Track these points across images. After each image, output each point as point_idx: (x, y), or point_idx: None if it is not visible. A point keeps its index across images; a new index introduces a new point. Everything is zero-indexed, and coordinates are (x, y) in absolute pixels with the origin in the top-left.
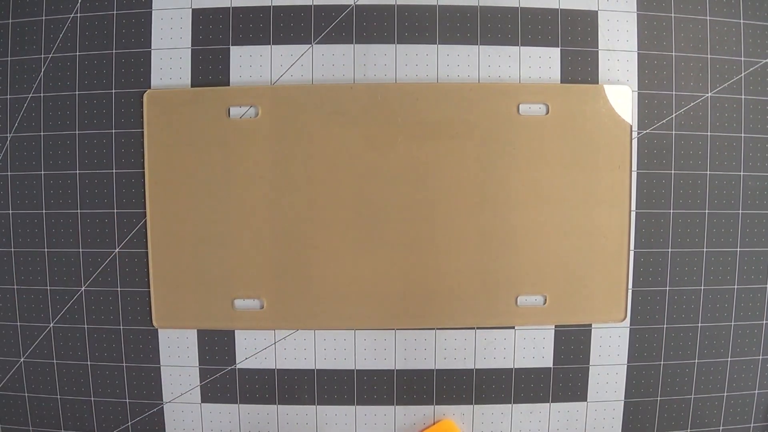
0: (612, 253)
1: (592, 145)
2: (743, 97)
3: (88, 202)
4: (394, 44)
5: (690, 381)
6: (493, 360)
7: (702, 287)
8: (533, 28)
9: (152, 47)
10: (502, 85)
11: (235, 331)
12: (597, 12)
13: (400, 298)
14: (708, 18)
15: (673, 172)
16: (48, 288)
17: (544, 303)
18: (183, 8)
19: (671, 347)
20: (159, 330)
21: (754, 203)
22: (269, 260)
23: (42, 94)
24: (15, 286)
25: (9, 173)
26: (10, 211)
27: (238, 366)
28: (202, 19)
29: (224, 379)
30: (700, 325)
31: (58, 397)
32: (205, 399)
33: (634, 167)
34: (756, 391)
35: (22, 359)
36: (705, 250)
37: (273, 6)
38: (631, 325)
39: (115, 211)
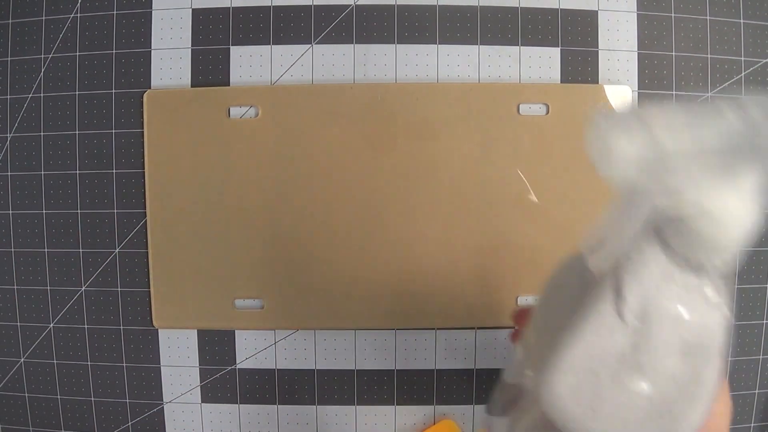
0: None
1: None
2: (743, 97)
3: (88, 202)
4: (394, 44)
5: None
6: (494, 360)
7: None
8: (533, 28)
9: (152, 47)
10: (502, 85)
11: (236, 331)
12: (597, 12)
13: (400, 298)
14: (708, 18)
15: None
16: (48, 288)
17: None
18: (183, 8)
19: None
20: (159, 330)
21: None
22: (269, 260)
23: (42, 94)
24: (15, 286)
25: (9, 173)
26: (10, 211)
27: (239, 366)
28: (202, 19)
29: (224, 379)
30: None
31: (58, 397)
32: (205, 399)
33: None
34: (756, 391)
35: (22, 359)
36: None
37: (273, 6)
38: None
39: (115, 211)
